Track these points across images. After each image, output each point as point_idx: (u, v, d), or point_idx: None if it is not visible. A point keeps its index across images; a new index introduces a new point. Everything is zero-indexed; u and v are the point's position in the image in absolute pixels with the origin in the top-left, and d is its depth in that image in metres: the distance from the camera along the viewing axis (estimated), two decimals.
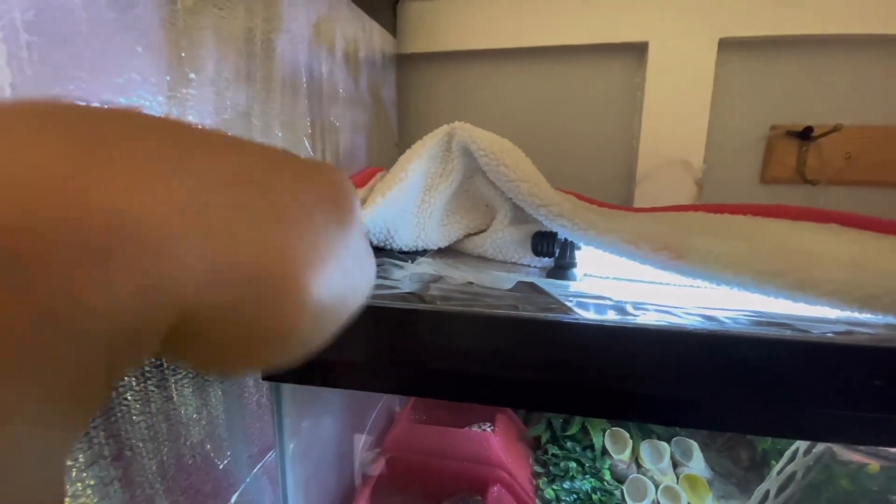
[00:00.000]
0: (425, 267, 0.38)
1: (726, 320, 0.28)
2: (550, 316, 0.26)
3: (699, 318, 0.28)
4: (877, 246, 0.32)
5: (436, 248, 0.47)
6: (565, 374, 0.25)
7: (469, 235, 0.49)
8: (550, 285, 0.36)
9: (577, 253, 0.42)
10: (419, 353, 0.25)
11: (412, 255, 0.44)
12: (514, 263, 0.46)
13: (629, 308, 0.29)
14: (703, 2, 0.52)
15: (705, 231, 0.36)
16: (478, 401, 0.26)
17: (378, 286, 0.30)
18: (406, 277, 0.32)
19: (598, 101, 0.59)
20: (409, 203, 0.42)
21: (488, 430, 0.50)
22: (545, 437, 0.54)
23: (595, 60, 0.58)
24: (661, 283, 0.38)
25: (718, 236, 0.34)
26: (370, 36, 0.47)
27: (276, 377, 0.28)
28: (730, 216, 0.38)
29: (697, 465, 0.54)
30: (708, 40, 0.53)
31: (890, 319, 0.29)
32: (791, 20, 0.52)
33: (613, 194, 0.61)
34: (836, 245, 0.33)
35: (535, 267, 0.45)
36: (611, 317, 0.28)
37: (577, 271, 0.42)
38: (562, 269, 0.42)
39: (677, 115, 0.55)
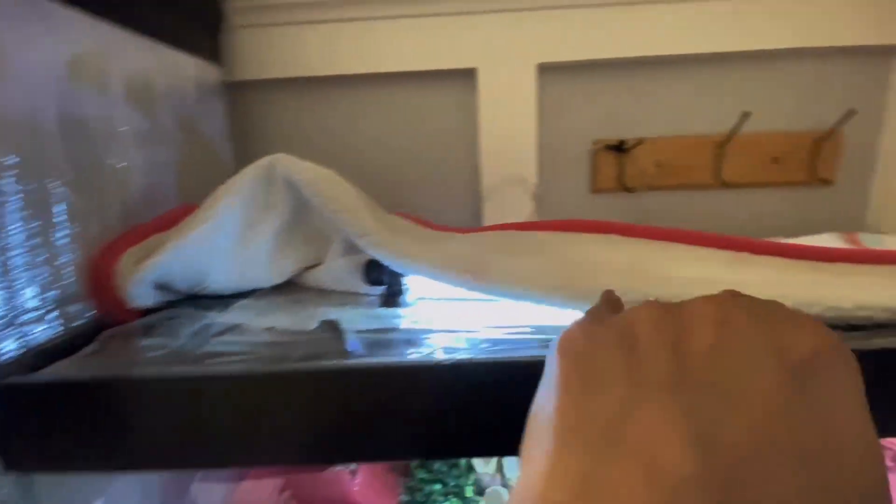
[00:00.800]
0: (234, 314, 0.35)
1: (509, 337, 0.29)
2: (321, 366, 0.25)
3: (485, 344, 0.28)
4: (642, 253, 0.36)
5: (269, 285, 0.45)
6: (341, 421, 0.24)
7: (309, 268, 0.47)
8: (366, 317, 0.36)
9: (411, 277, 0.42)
10: (169, 423, 0.23)
11: (235, 297, 0.41)
12: (354, 293, 0.45)
13: (423, 340, 0.29)
14: (522, 32, 0.56)
15: (507, 250, 0.38)
16: (257, 464, 0.25)
17: (147, 347, 0.28)
18: (191, 333, 0.30)
19: (439, 124, 0.61)
20: (223, 241, 0.40)
21: (351, 468, 0.49)
22: (414, 462, 0.54)
23: (434, 86, 0.60)
24: (486, 301, 0.39)
25: (516, 255, 0.37)
26: (174, 67, 0.44)
27: (22, 466, 0.25)
28: (536, 233, 0.41)
29: None
30: (528, 66, 0.57)
31: None
32: (601, 46, 0.57)
33: (464, 212, 0.63)
34: (613, 255, 0.36)
35: (373, 295, 0.44)
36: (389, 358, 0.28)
37: (411, 295, 0.43)
38: (393, 295, 0.42)
39: (510, 136, 0.58)
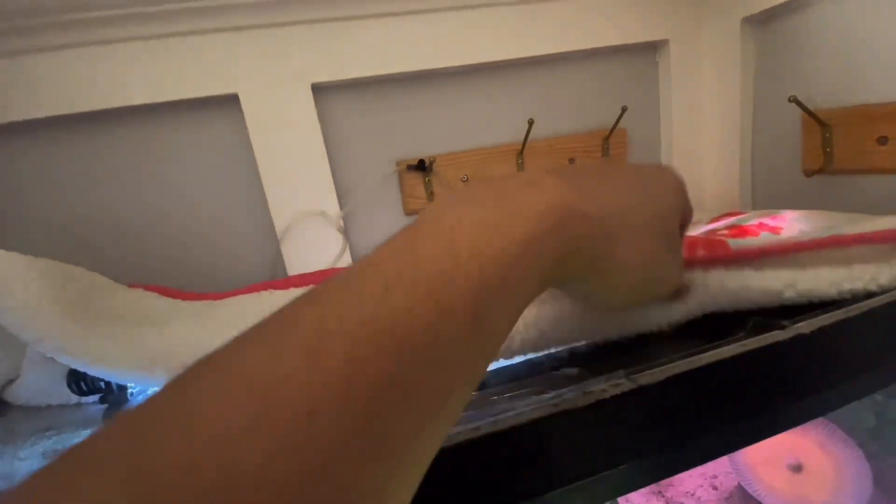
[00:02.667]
0: None
1: None
2: None
3: None
4: None
5: None
6: None
7: (11, 381, 0.35)
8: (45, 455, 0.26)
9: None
10: None
11: None
12: (77, 405, 0.34)
13: None
14: (289, 50, 0.50)
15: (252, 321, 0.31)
16: None
17: None
18: None
19: (211, 162, 0.52)
20: None
21: None
22: None
23: (193, 118, 0.50)
24: None
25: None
26: None
27: None
28: (293, 290, 0.34)
29: None
30: (299, 87, 0.50)
31: None
32: (379, 62, 0.53)
33: (263, 255, 0.54)
34: None
35: (99, 405, 0.34)
36: None
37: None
38: (115, 405, 0.32)
39: (295, 165, 0.52)
